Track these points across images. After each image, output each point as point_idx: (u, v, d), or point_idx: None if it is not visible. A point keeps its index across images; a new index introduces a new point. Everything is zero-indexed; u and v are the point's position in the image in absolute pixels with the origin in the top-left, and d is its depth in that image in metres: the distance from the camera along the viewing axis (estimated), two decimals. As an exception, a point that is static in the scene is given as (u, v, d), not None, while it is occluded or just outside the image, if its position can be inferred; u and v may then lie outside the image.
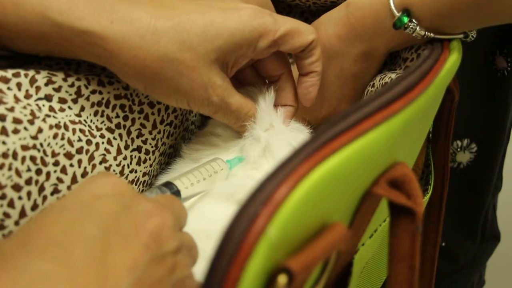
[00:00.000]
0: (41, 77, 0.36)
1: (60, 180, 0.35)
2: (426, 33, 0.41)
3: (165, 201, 0.29)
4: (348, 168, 0.26)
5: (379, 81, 0.45)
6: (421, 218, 0.29)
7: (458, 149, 0.67)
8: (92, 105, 0.39)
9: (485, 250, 0.74)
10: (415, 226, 0.29)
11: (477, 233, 0.71)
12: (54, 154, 0.35)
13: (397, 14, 0.41)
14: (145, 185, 0.43)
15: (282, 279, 0.22)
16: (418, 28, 0.41)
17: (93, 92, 0.39)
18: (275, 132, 0.42)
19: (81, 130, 0.37)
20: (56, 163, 0.35)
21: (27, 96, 0.35)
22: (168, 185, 0.38)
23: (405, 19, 0.41)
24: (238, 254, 0.21)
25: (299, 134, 0.43)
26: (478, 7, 0.39)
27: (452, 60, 0.40)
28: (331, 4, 0.52)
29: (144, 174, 0.43)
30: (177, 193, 0.38)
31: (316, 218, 0.25)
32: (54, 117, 0.36)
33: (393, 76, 0.43)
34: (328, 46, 0.45)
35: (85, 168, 0.37)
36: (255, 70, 0.45)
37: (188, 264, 0.28)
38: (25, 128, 0.33)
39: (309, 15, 0.57)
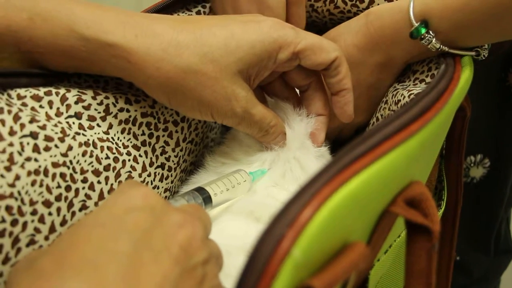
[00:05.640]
0: (72, 95, 0.37)
1: (88, 196, 0.37)
2: (441, 46, 0.42)
3: (193, 210, 0.29)
4: (368, 189, 0.27)
5: (392, 98, 0.46)
6: (438, 236, 0.30)
7: (472, 164, 0.67)
8: (120, 122, 0.40)
9: (499, 264, 0.74)
10: (431, 244, 0.30)
11: (490, 247, 0.71)
12: (82, 171, 0.36)
13: (415, 24, 0.42)
14: (165, 200, 0.44)
15: (306, 297, 0.23)
16: (434, 40, 0.42)
17: (121, 110, 0.40)
18: (302, 153, 0.43)
19: (108, 148, 0.39)
20: (84, 180, 0.36)
21: (58, 114, 0.37)
22: (200, 190, 0.39)
23: (423, 30, 0.41)
24: (264, 275, 0.22)
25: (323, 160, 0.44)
26: (497, 20, 0.39)
27: (465, 78, 0.41)
28: (348, 19, 0.53)
29: (166, 190, 0.44)
30: (207, 199, 0.38)
31: (338, 238, 0.26)
32: (83, 134, 0.37)
33: (405, 93, 0.44)
34: (346, 56, 0.46)
35: (111, 185, 0.38)
36: (284, 81, 0.46)
37: (217, 274, 0.28)
38: (56, 146, 0.35)
39: (326, 33, 0.58)
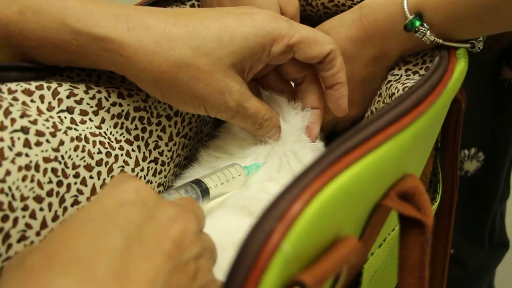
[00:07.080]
0: (63, 90, 0.37)
1: (80, 191, 0.36)
2: (436, 39, 0.42)
3: (186, 204, 0.29)
4: (360, 183, 0.27)
5: (386, 91, 0.46)
6: (431, 230, 0.30)
7: (466, 158, 0.67)
8: (112, 117, 0.40)
9: (494, 257, 0.75)
10: (424, 238, 0.29)
11: (484, 240, 0.72)
12: (74, 166, 0.36)
13: (410, 17, 0.42)
14: (158, 195, 0.44)
15: (296, 292, 0.23)
16: (428, 32, 0.42)
17: (114, 104, 0.40)
18: (299, 146, 0.43)
19: (101, 143, 0.38)
20: (76, 175, 0.36)
21: (50, 108, 0.36)
22: (197, 183, 0.39)
23: (417, 23, 0.41)
24: (254, 269, 0.22)
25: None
26: (492, 11, 0.39)
27: (459, 70, 0.40)
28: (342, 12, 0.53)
29: (159, 185, 0.44)
30: (204, 192, 0.38)
31: (329, 232, 0.26)
32: (75, 129, 0.37)
33: (399, 86, 0.44)
34: (340, 49, 0.46)
35: (104, 180, 0.38)
36: (278, 74, 0.45)
37: (210, 268, 0.28)
38: (47, 141, 0.34)
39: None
